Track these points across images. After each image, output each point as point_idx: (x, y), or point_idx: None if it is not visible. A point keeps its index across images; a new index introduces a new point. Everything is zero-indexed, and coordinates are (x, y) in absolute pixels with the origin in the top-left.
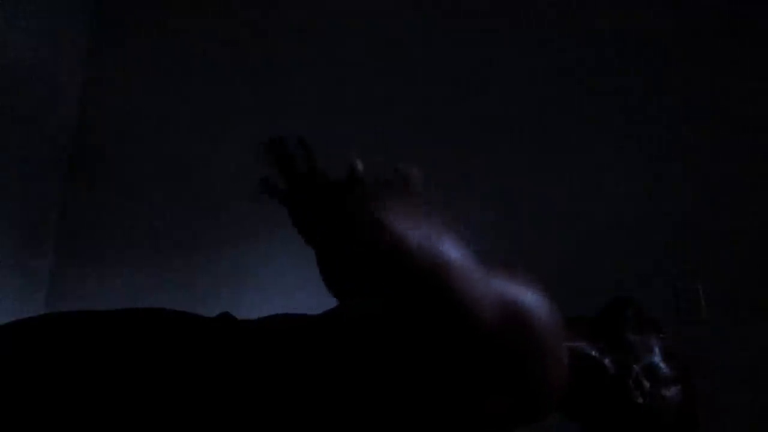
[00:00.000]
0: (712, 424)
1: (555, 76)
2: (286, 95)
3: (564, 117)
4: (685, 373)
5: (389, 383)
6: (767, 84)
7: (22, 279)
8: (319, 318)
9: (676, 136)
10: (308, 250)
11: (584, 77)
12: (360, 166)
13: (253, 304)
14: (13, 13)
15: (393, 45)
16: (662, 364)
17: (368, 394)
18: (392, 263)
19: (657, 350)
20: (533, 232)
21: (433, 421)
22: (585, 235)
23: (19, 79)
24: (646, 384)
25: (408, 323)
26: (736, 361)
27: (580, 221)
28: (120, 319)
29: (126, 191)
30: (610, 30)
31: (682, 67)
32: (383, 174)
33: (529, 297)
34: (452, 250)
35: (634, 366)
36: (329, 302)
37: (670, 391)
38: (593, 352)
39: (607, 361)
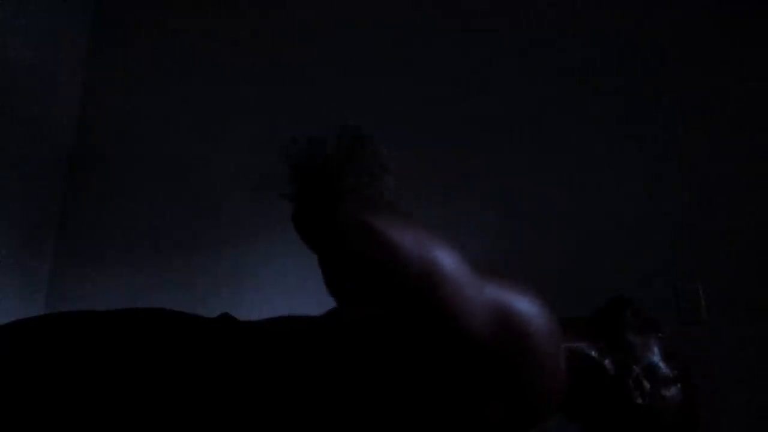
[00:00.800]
0: (712, 424)
1: (555, 76)
2: (286, 95)
3: (564, 117)
4: (685, 372)
5: (389, 385)
6: (767, 84)
7: (22, 279)
8: (320, 320)
9: (675, 136)
10: (308, 250)
11: (584, 77)
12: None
13: (253, 304)
14: (13, 13)
15: (392, 45)
16: (662, 364)
17: (368, 396)
18: (384, 270)
19: (657, 350)
20: (533, 232)
21: (430, 424)
22: (585, 235)
23: (19, 79)
24: (646, 384)
25: (404, 329)
26: (736, 361)
27: (580, 221)
28: (120, 319)
29: (126, 191)
30: (610, 30)
31: (680, 67)
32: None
33: (523, 304)
34: (444, 257)
35: (634, 366)
36: (329, 303)
37: (670, 392)
38: (593, 353)
39: (606, 361)
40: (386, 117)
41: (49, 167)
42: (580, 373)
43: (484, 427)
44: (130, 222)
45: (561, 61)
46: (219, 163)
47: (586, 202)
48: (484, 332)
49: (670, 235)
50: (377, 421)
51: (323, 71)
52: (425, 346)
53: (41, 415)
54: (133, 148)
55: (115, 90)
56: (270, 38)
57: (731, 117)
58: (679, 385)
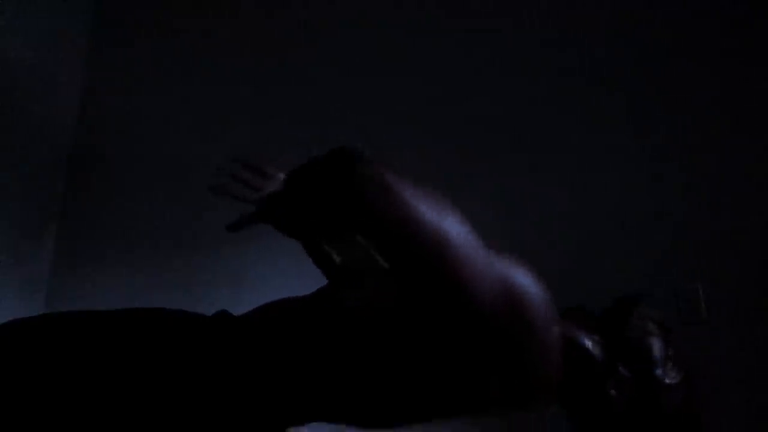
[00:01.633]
0: (712, 424)
1: (556, 76)
2: (286, 95)
3: (564, 117)
4: (684, 381)
5: (386, 371)
6: (766, 84)
7: (22, 279)
8: (312, 301)
9: (676, 135)
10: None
11: (584, 77)
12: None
13: (252, 304)
14: (13, 13)
15: (393, 45)
16: (659, 370)
17: (364, 380)
18: (398, 228)
19: (656, 354)
20: (533, 232)
21: (428, 402)
22: (586, 235)
23: (19, 79)
24: (627, 387)
25: (411, 297)
26: (736, 361)
27: (580, 221)
28: (120, 319)
29: (126, 191)
30: (610, 30)
31: (682, 66)
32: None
33: (528, 282)
34: (457, 226)
35: (621, 368)
36: None
37: (663, 398)
38: (586, 343)
39: (597, 355)
40: (387, 117)
41: (49, 167)
42: (571, 361)
43: (482, 402)
44: (130, 222)
45: (561, 61)
46: (219, 163)
47: (587, 202)
48: (492, 301)
49: (670, 235)
50: (374, 403)
51: (324, 71)
52: (429, 316)
53: (41, 415)
54: (133, 148)
55: (115, 90)
56: (270, 38)
57: (732, 117)
58: (673, 393)
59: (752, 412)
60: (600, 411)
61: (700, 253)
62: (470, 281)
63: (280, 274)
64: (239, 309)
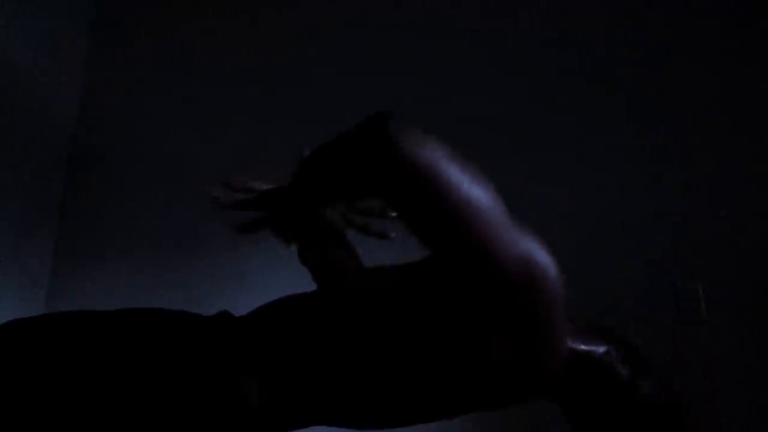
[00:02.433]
0: (712, 424)
1: (555, 76)
2: (286, 95)
3: (564, 117)
4: (657, 375)
5: (391, 365)
6: (766, 84)
7: (22, 279)
8: (312, 302)
9: (676, 135)
10: None
11: (584, 77)
12: None
13: (253, 305)
14: (13, 13)
15: (393, 45)
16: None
17: (368, 379)
18: (426, 190)
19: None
20: (534, 231)
21: (437, 371)
22: (585, 235)
23: (19, 79)
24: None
25: (433, 261)
26: (736, 361)
27: (580, 221)
28: (120, 319)
29: (126, 191)
30: (610, 30)
31: (682, 66)
32: None
33: (549, 261)
34: (488, 193)
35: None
36: None
37: (651, 402)
38: (603, 352)
39: (618, 366)
40: None
41: (48, 167)
42: (587, 371)
43: (491, 372)
44: (130, 222)
45: (561, 61)
46: (219, 163)
47: (587, 202)
48: (515, 275)
49: (670, 235)
50: (380, 394)
51: (324, 71)
52: (450, 282)
53: (40, 415)
54: (133, 148)
55: (115, 90)
56: (271, 38)
57: (732, 117)
58: (655, 396)
59: (752, 412)
60: (612, 420)
61: (700, 253)
62: (497, 250)
63: (280, 275)
64: (239, 309)
